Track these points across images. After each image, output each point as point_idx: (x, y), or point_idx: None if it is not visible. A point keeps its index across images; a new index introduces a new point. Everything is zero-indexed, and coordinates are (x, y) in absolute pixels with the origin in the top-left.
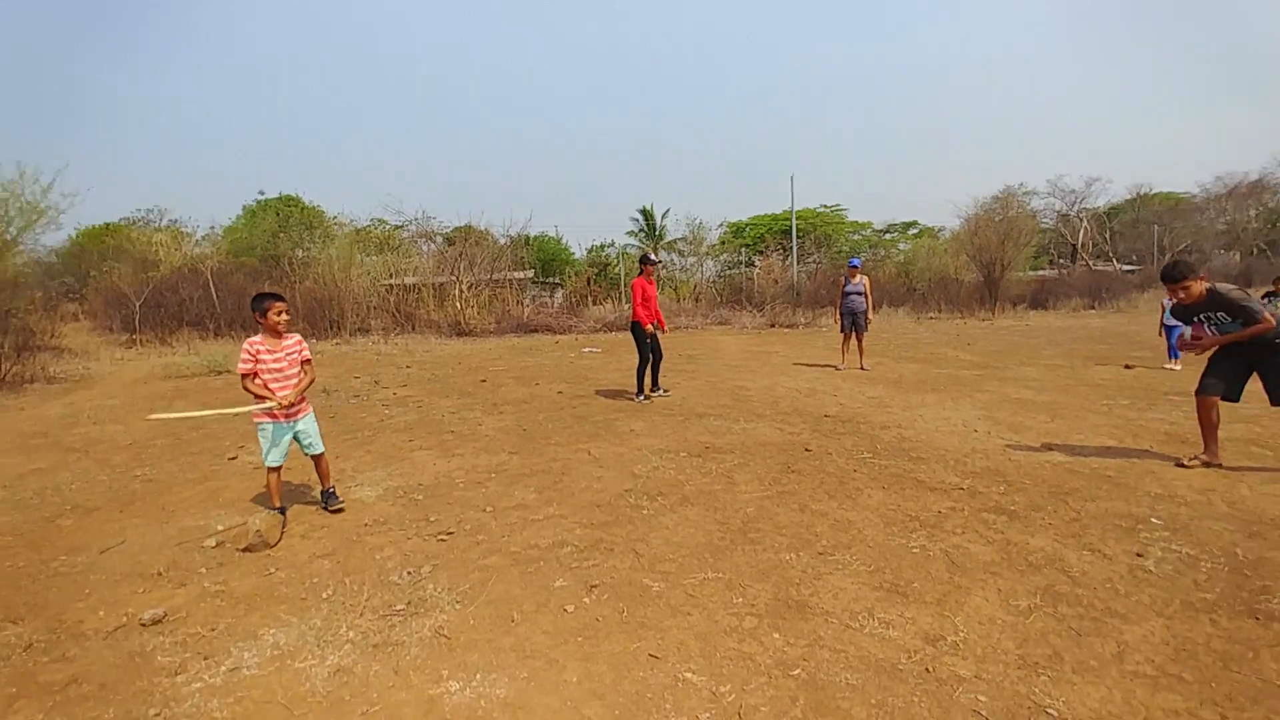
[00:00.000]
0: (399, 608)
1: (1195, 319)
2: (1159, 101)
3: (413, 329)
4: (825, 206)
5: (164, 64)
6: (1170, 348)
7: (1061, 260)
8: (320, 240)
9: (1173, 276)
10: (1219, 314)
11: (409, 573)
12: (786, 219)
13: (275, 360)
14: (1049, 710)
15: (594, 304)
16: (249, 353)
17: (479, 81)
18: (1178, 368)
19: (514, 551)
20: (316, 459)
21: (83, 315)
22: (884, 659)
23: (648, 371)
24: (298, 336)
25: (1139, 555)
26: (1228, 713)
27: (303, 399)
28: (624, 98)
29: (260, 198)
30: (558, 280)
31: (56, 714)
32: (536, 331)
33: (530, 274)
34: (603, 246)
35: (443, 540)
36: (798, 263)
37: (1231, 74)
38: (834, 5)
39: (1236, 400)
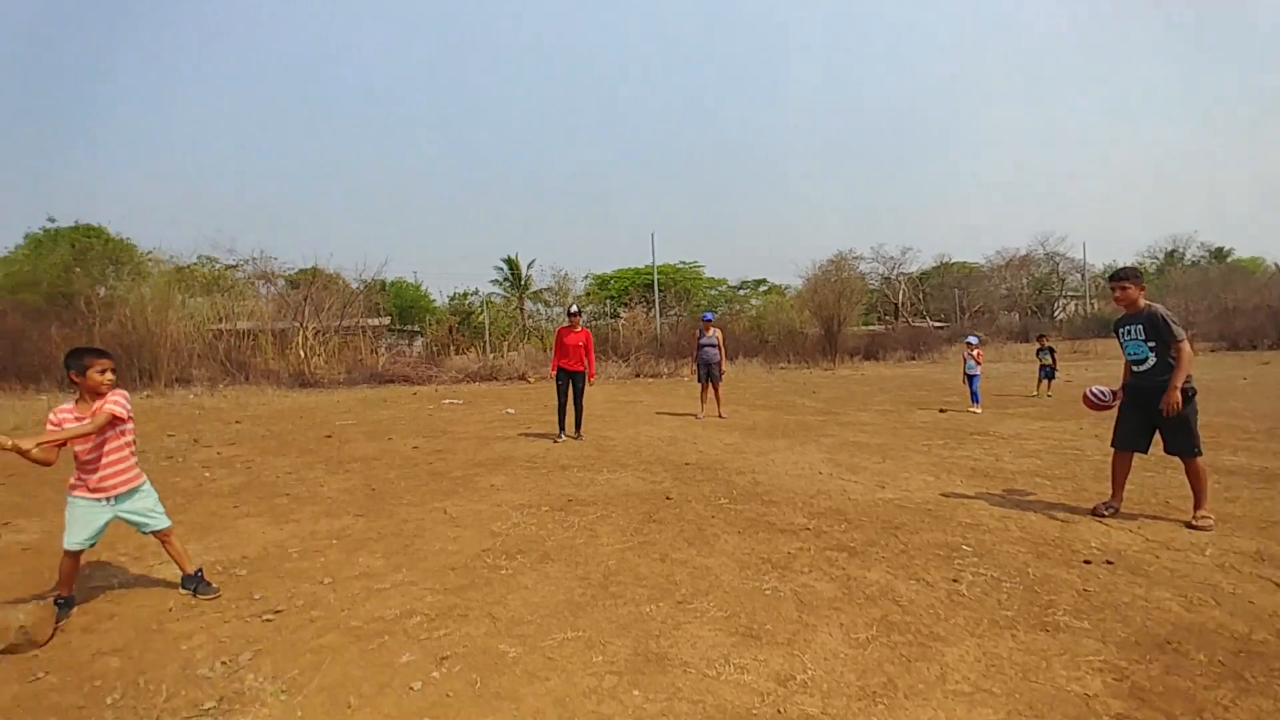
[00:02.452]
0: (207, 706)
1: (1116, 329)
2: (954, 186)
3: (246, 379)
4: (684, 262)
5: None
6: (972, 394)
7: (886, 317)
8: (129, 277)
9: (1123, 275)
10: (1138, 328)
11: (223, 663)
12: (649, 273)
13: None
14: None
15: (456, 353)
16: (55, 425)
17: (330, 113)
18: (979, 411)
19: (354, 627)
20: (161, 539)
21: None
22: (739, 705)
23: (568, 413)
24: (119, 391)
25: (955, 581)
26: (1030, 718)
27: (134, 473)
28: (486, 146)
29: (50, 225)
30: (417, 328)
31: None
32: (392, 382)
33: (386, 321)
34: (465, 295)
35: (268, 620)
36: (660, 315)
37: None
38: (684, 71)
39: (1145, 451)
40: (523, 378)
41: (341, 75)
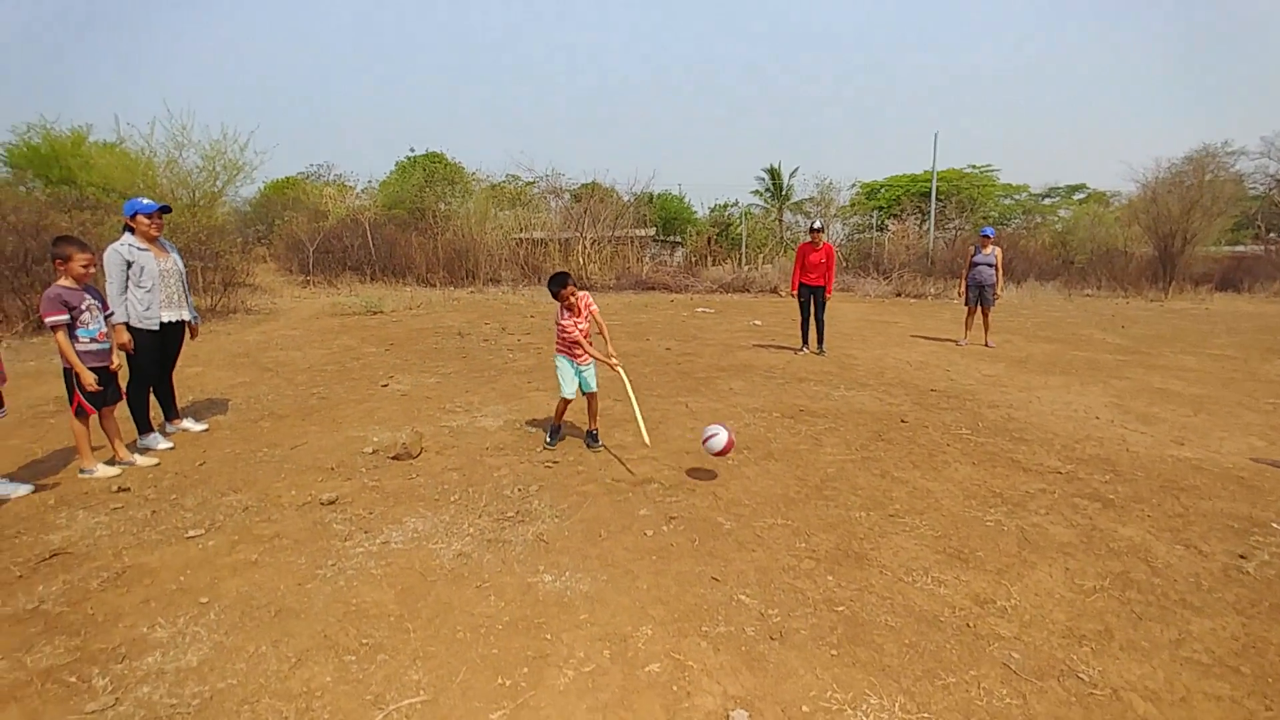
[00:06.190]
0: (509, 514)
1: None
2: None
3: (538, 281)
4: (974, 167)
5: (323, 40)
6: None
7: (1271, 234)
8: (460, 195)
9: None
10: None
11: (519, 489)
12: (926, 180)
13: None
14: (1080, 675)
15: (713, 264)
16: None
17: (603, 46)
18: None
19: (608, 482)
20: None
21: (269, 258)
22: (927, 610)
23: (810, 328)
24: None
25: (1241, 557)
26: (1273, 705)
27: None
28: (751, 53)
29: (410, 154)
30: (678, 239)
31: (267, 557)
32: (654, 289)
33: (651, 232)
34: (725, 206)
35: (549, 467)
36: (936, 228)
37: None
38: None
39: None
40: (774, 291)
41: (613, 37)
